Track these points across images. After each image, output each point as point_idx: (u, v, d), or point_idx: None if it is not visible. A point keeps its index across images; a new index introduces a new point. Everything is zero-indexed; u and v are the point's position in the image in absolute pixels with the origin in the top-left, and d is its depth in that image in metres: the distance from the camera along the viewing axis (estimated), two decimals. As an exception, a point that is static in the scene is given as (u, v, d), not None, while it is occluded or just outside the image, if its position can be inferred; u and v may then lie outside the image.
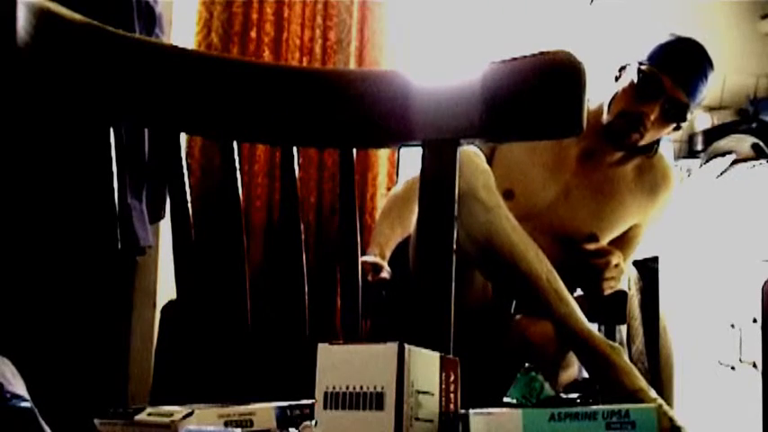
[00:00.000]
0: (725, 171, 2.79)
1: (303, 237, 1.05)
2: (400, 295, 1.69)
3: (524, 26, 3.07)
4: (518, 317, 1.68)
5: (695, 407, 2.56)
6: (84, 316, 0.94)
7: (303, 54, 2.89)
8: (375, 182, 2.88)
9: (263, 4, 2.87)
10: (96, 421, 0.68)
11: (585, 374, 2.00)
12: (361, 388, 0.60)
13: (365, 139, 1.06)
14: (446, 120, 0.99)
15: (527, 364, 0.69)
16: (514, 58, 0.98)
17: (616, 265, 1.73)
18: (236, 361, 0.99)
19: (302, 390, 0.71)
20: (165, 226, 2.49)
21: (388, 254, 1.83)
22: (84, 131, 0.93)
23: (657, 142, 1.88)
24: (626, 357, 1.48)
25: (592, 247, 1.73)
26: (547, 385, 0.68)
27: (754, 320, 2.31)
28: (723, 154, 2.88)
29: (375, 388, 0.60)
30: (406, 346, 0.61)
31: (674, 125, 1.80)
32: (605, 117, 1.79)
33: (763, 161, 2.70)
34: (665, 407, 1.39)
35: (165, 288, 2.63)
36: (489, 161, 1.65)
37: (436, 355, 0.65)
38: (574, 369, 1.74)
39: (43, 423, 0.60)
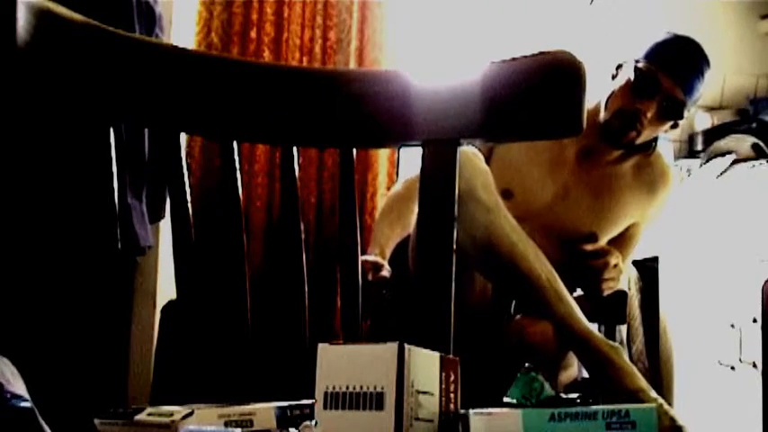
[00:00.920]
0: (725, 171, 2.79)
1: (303, 237, 1.05)
2: (400, 295, 1.69)
3: (524, 26, 3.07)
4: (518, 317, 1.69)
5: (695, 407, 2.56)
6: (84, 316, 0.94)
7: (303, 54, 2.89)
8: (375, 182, 2.88)
9: (263, 4, 2.87)
10: (96, 421, 0.68)
11: (585, 374, 2.01)
12: (361, 388, 0.61)
13: (365, 139, 1.06)
14: (446, 119, 0.99)
15: (527, 364, 0.69)
16: (514, 58, 0.98)
17: (615, 266, 1.73)
18: (236, 361, 0.99)
19: (302, 390, 0.71)
20: (165, 226, 2.49)
21: (388, 253, 1.83)
22: (84, 131, 0.93)
23: (655, 140, 1.88)
24: (626, 357, 1.48)
25: (590, 247, 1.74)
26: (547, 385, 0.68)
27: (754, 320, 2.31)
28: (723, 154, 2.88)
29: (375, 388, 0.60)
30: (406, 346, 0.61)
31: (671, 123, 1.81)
32: (602, 115, 1.80)
33: (763, 161, 2.70)
34: (666, 406, 1.39)
35: (165, 288, 2.63)
36: (487, 161, 1.66)
37: (436, 355, 0.65)
38: (573, 369, 1.74)
39: (43, 423, 0.60)
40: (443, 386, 0.65)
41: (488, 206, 1.47)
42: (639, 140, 1.81)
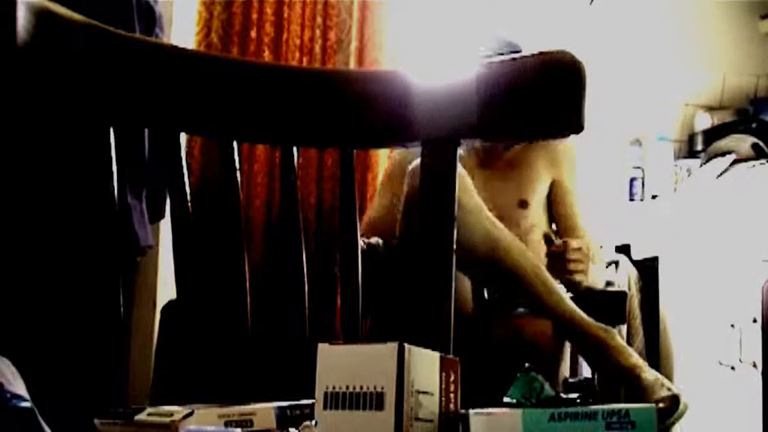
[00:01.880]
0: (725, 171, 2.78)
1: (303, 237, 1.05)
2: (400, 295, 1.69)
3: (524, 26, 3.07)
4: (517, 315, 1.69)
5: (695, 407, 2.56)
6: (84, 316, 0.94)
7: (303, 54, 2.89)
8: (375, 182, 2.88)
9: (263, 4, 2.86)
10: (96, 421, 0.68)
11: (585, 374, 2.01)
12: (361, 388, 0.61)
13: (365, 139, 1.06)
14: (446, 119, 0.99)
15: (527, 364, 0.70)
16: (514, 58, 0.98)
17: (578, 249, 1.74)
18: (236, 361, 0.99)
19: (302, 390, 0.71)
20: (165, 226, 2.49)
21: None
22: (84, 131, 0.93)
23: None
24: (619, 339, 1.50)
25: (554, 247, 1.75)
26: (547, 385, 0.68)
27: (754, 320, 2.31)
28: (723, 154, 2.88)
29: (375, 388, 0.60)
30: (406, 346, 0.61)
31: None
32: None
33: (763, 161, 2.70)
34: (662, 378, 1.41)
35: (165, 288, 2.63)
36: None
37: (436, 355, 0.65)
38: (567, 362, 1.76)
39: (43, 423, 0.60)
40: (443, 386, 0.65)
41: (468, 208, 1.49)
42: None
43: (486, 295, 1.77)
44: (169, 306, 2.43)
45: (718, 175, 2.78)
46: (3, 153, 1.60)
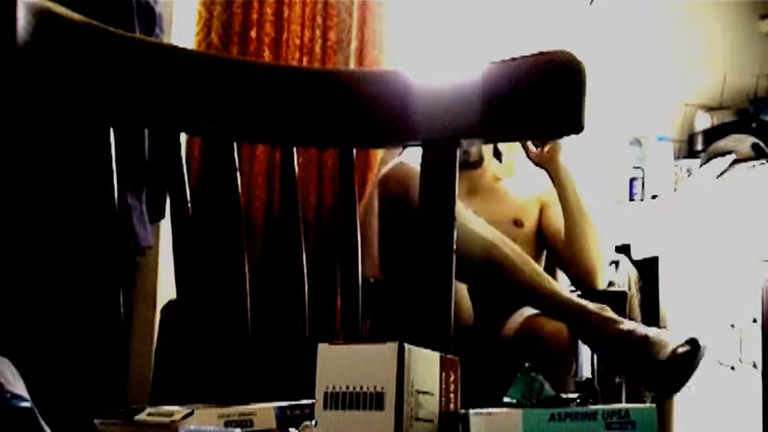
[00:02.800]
0: (725, 171, 2.78)
1: (303, 237, 1.05)
2: (400, 295, 1.69)
3: (524, 26, 3.07)
4: (529, 316, 1.70)
5: (695, 407, 2.56)
6: (83, 316, 0.94)
7: (303, 54, 2.89)
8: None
9: (263, 4, 2.86)
10: (96, 421, 0.68)
11: (585, 375, 2.01)
12: (361, 388, 0.61)
13: (365, 139, 1.06)
14: (446, 119, 0.99)
15: (527, 364, 0.70)
16: (514, 58, 0.98)
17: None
18: (236, 361, 0.99)
19: (302, 390, 0.71)
20: (165, 226, 2.49)
21: None
22: (84, 131, 0.93)
23: (481, 155, 2.13)
24: (612, 313, 1.53)
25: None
26: (547, 385, 0.68)
27: (754, 320, 2.31)
28: (723, 154, 2.88)
29: (375, 388, 0.60)
30: (406, 346, 0.61)
31: None
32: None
33: (764, 161, 2.70)
34: (665, 330, 1.44)
35: (165, 288, 2.63)
36: None
37: (436, 355, 0.65)
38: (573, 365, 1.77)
39: (43, 423, 0.60)
40: (443, 386, 0.65)
41: (459, 212, 1.50)
42: (473, 158, 2.07)
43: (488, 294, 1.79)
44: (169, 306, 2.43)
45: (718, 175, 2.78)
46: (3, 153, 1.60)
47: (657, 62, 3.19)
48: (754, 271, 2.33)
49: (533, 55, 0.98)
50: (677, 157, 3.15)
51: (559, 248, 1.99)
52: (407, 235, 1.52)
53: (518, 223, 2.01)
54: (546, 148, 1.90)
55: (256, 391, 0.79)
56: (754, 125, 3.04)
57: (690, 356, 1.42)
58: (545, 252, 2.09)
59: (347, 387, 0.61)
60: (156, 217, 2.24)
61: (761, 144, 2.91)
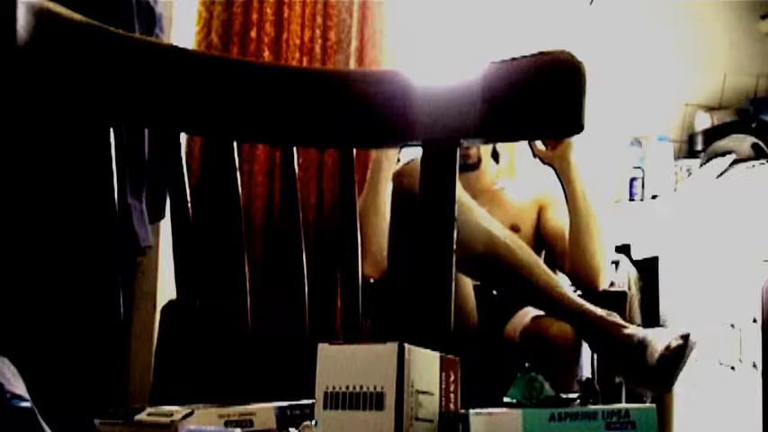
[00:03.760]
0: (725, 171, 2.78)
1: (303, 237, 1.05)
2: (400, 295, 1.69)
3: (524, 26, 3.07)
4: (534, 316, 1.70)
5: (695, 407, 2.56)
6: (84, 316, 0.94)
7: (303, 54, 2.89)
8: (375, 182, 2.88)
9: (263, 4, 2.86)
10: (96, 421, 0.68)
11: (585, 375, 2.01)
12: (361, 388, 0.60)
13: (365, 139, 1.06)
14: (446, 119, 0.99)
15: (527, 364, 0.70)
16: (514, 58, 0.98)
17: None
18: (236, 361, 0.99)
19: (302, 390, 0.71)
20: (165, 226, 2.49)
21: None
22: (84, 131, 0.93)
23: (480, 157, 2.15)
24: (620, 319, 1.54)
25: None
26: (547, 385, 0.68)
27: (754, 320, 2.31)
28: (723, 154, 2.88)
29: (375, 388, 0.60)
30: (406, 346, 0.61)
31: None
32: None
33: (764, 161, 2.69)
34: (660, 329, 1.44)
35: (165, 288, 2.62)
36: None
37: (436, 355, 0.65)
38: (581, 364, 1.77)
39: (43, 423, 0.60)
40: (443, 386, 0.65)
41: (465, 205, 1.50)
42: (472, 160, 2.09)
43: (494, 294, 1.78)
44: (169, 306, 2.43)
45: (718, 175, 2.78)
46: (3, 153, 1.60)
47: (657, 62, 3.19)
48: (754, 271, 2.33)
49: (533, 55, 0.98)
50: (677, 157, 3.15)
51: (559, 248, 1.99)
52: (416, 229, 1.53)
53: (514, 228, 2.01)
54: (557, 146, 1.88)
55: (256, 391, 0.79)
56: (754, 125, 3.04)
57: (680, 350, 1.43)
58: (543, 256, 2.09)
59: (347, 387, 0.61)
60: (156, 217, 2.24)
61: (761, 144, 2.91)
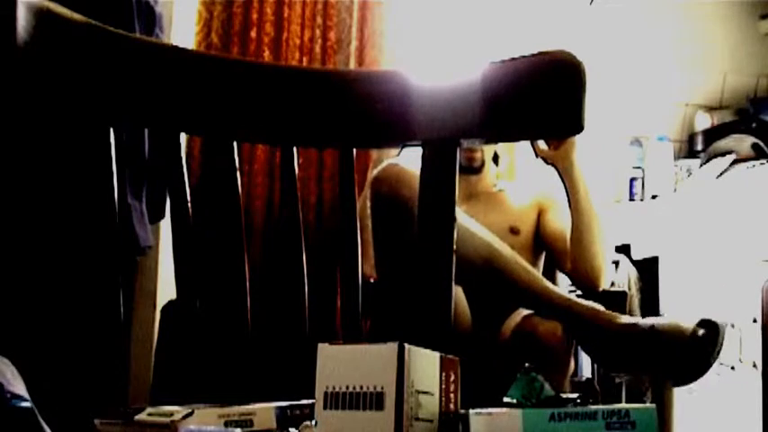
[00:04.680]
0: (725, 171, 2.78)
1: (303, 237, 1.05)
2: (400, 295, 1.69)
3: (524, 26, 3.07)
4: (524, 316, 1.70)
5: (695, 407, 2.56)
6: (84, 316, 0.94)
7: (303, 54, 2.89)
8: (375, 182, 2.88)
9: (263, 4, 2.86)
10: (96, 421, 0.68)
11: (585, 375, 2.01)
12: (361, 388, 0.60)
13: (365, 139, 1.06)
14: (446, 119, 0.99)
15: (527, 364, 0.70)
16: (514, 58, 0.98)
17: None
18: (237, 361, 0.99)
19: (302, 390, 0.71)
20: (165, 226, 2.49)
21: None
22: (84, 131, 0.93)
23: (484, 160, 2.15)
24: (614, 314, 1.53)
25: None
26: (547, 385, 0.68)
27: (754, 320, 2.31)
28: (723, 154, 2.88)
29: (375, 388, 0.60)
30: (406, 346, 0.61)
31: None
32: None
33: (764, 161, 2.69)
34: (670, 320, 1.42)
35: (165, 288, 2.62)
36: None
37: (436, 355, 0.65)
38: (571, 365, 1.76)
39: (43, 423, 0.60)
40: (443, 386, 0.65)
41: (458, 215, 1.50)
42: (476, 164, 2.10)
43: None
44: (169, 306, 2.43)
45: (718, 175, 2.78)
46: (3, 153, 1.60)
47: (657, 62, 3.19)
48: (754, 271, 2.33)
49: (533, 55, 0.98)
50: (677, 157, 3.15)
51: (560, 250, 1.99)
52: (397, 234, 1.52)
53: (514, 231, 2.01)
54: (560, 145, 1.87)
55: (256, 391, 0.79)
56: (754, 125, 3.04)
57: (711, 338, 1.39)
58: (542, 258, 2.09)
59: (347, 387, 0.61)
60: (156, 217, 2.24)
61: (761, 144, 2.91)
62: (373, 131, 1.03)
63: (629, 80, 3.18)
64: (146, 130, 1.94)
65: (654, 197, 3.03)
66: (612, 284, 2.73)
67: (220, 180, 1.01)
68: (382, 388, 0.60)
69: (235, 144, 1.01)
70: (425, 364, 0.63)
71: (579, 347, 1.78)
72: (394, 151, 2.32)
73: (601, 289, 1.94)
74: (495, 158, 2.25)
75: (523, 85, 0.97)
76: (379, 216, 1.60)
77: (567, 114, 0.96)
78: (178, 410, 0.66)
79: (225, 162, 1.01)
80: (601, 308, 1.54)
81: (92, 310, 0.91)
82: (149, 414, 0.67)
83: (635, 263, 2.87)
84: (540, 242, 2.07)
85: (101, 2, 1.46)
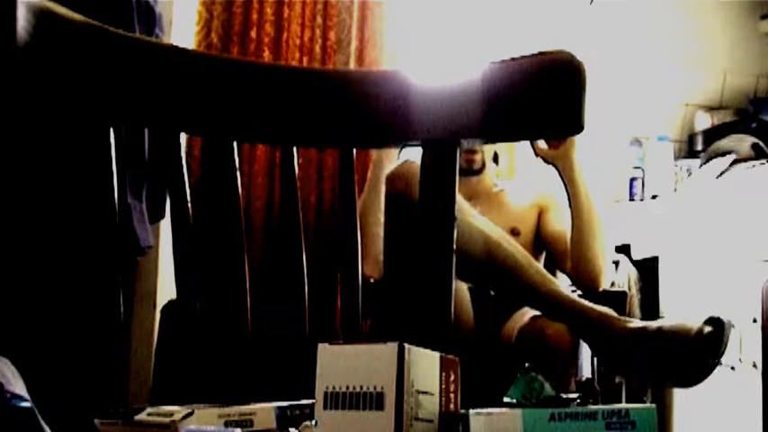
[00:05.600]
0: (725, 171, 2.78)
1: (303, 237, 1.05)
2: (400, 295, 1.69)
3: (524, 26, 3.07)
4: (531, 317, 1.69)
5: (695, 407, 2.56)
6: (84, 316, 0.94)
7: (303, 54, 2.89)
8: (375, 182, 2.88)
9: (263, 4, 2.86)
10: (96, 421, 0.68)
11: (585, 375, 2.01)
12: (361, 388, 0.60)
13: (365, 139, 1.06)
14: (446, 119, 0.99)
15: (527, 364, 0.70)
16: (514, 58, 0.98)
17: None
18: (236, 361, 0.99)
19: (302, 390, 0.71)
20: (165, 226, 2.49)
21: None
22: (84, 131, 0.93)
23: (484, 161, 2.18)
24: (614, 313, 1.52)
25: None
26: (547, 385, 0.68)
27: (754, 320, 2.31)
28: (723, 154, 2.88)
29: (375, 388, 0.60)
30: (406, 346, 0.61)
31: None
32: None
33: (764, 161, 2.69)
34: (677, 321, 1.40)
35: (165, 288, 2.62)
36: None
37: (436, 355, 0.65)
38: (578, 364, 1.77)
39: (43, 423, 0.60)
40: (443, 386, 0.65)
41: (461, 208, 1.50)
42: (476, 166, 2.12)
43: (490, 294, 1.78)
44: (169, 306, 2.43)
45: (718, 175, 2.78)
46: (3, 153, 1.60)
47: (657, 62, 3.19)
48: (754, 271, 2.33)
49: (533, 55, 0.98)
50: (677, 157, 3.15)
51: (560, 250, 1.99)
52: (407, 232, 1.52)
53: (515, 231, 2.01)
54: (560, 145, 1.87)
55: (256, 391, 0.79)
56: (754, 125, 3.04)
57: (716, 336, 1.38)
58: (543, 259, 2.09)
59: (347, 387, 0.61)
60: (156, 217, 2.24)
61: (761, 144, 2.91)
62: (373, 131, 1.03)
63: (629, 80, 3.17)
64: (146, 130, 1.94)
65: (654, 197, 3.03)
66: (612, 284, 2.72)
67: (220, 180, 1.01)
68: (382, 388, 0.60)
69: (235, 144, 1.01)
70: (425, 364, 0.63)
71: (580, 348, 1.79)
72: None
73: (601, 289, 1.94)
74: (496, 158, 2.25)
75: (524, 86, 0.97)
76: (392, 213, 1.59)
77: (567, 114, 0.96)
78: (178, 410, 0.66)
79: (225, 162, 1.01)
80: (612, 312, 1.52)
81: (92, 310, 0.91)
82: (149, 414, 0.67)
83: (635, 263, 2.86)
84: (541, 242, 2.07)
85: (101, 2, 1.46)
